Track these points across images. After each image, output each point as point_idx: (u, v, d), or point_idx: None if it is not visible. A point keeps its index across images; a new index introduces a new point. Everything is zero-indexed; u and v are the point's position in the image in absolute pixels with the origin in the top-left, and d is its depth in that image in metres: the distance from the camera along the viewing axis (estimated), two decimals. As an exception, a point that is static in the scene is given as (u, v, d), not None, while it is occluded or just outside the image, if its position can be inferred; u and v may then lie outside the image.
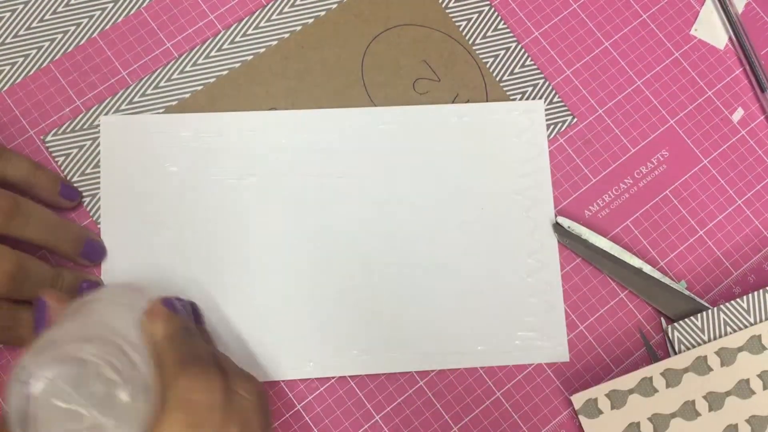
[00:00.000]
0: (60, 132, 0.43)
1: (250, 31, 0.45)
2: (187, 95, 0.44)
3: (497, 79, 0.46)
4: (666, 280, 0.43)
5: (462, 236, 0.43)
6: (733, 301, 0.42)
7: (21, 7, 0.45)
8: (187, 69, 0.45)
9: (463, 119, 0.44)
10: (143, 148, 0.43)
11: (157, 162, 0.43)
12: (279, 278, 0.42)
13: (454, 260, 0.43)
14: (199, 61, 0.45)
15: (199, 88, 0.44)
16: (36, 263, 0.38)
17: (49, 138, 0.43)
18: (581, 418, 0.41)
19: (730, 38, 0.47)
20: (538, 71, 0.46)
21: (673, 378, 0.41)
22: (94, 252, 0.41)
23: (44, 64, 0.44)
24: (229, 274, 0.42)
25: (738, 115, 0.46)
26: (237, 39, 0.45)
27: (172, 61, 0.45)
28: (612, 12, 0.47)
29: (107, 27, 0.45)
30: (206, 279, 0.42)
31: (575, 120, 0.46)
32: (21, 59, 0.44)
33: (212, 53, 0.45)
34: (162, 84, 0.44)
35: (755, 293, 0.42)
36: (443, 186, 0.44)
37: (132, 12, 0.45)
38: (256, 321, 0.41)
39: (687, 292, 0.43)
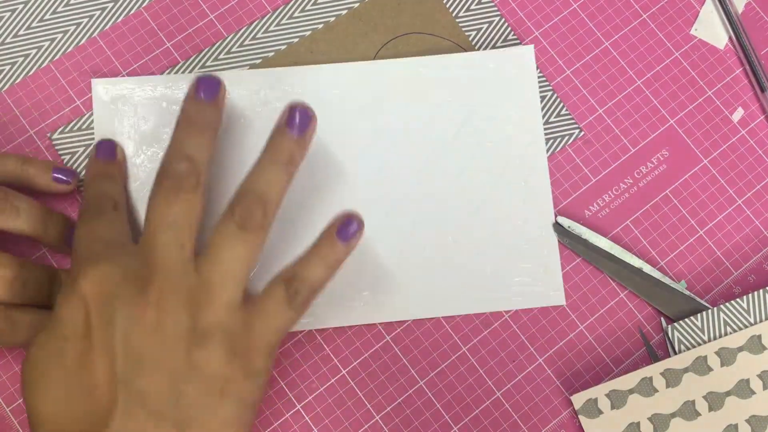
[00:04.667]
0: (66, 130, 0.43)
1: (259, 35, 0.45)
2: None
3: (502, 85, 0.46)
4: (666, 280, 0.43)
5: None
6: (733, 301, 0.42)
7: (21, 7, 0.45)
8: (196, 72, 0.45)
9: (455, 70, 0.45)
10: (138, 119, 0.43)
11: (152, 136, 0.43)
12: (285, 245, 0.42)
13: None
14: (208, 64, 0.45)
15: None
16: (32, 267, 0.38)
17: (55, 135, 0.43)
18: (581, 418, 0.41)
19: (730, 38, 0.47)
20: (546, 82, 0.46)
21: (673, 378, 0.41)
22: None
23: (44, 64, 0.44)
24: None
25: (738, 115, 0.46)
26: (246, 42, 0.45)
27: (182, 62, 0.45)
28: (612, 12, 0.47)
29: (107, 27, 0.45)
30: None
31: (582, 133, 0.45)
32: (21, 59, 0.44)
33: (221, 56, 0.45)
34: (162, 84, 0.44)
35: (755, 293, 0.42)
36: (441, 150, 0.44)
37: (132, 12, 0.45)
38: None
39: (687, 292, 0.43)
